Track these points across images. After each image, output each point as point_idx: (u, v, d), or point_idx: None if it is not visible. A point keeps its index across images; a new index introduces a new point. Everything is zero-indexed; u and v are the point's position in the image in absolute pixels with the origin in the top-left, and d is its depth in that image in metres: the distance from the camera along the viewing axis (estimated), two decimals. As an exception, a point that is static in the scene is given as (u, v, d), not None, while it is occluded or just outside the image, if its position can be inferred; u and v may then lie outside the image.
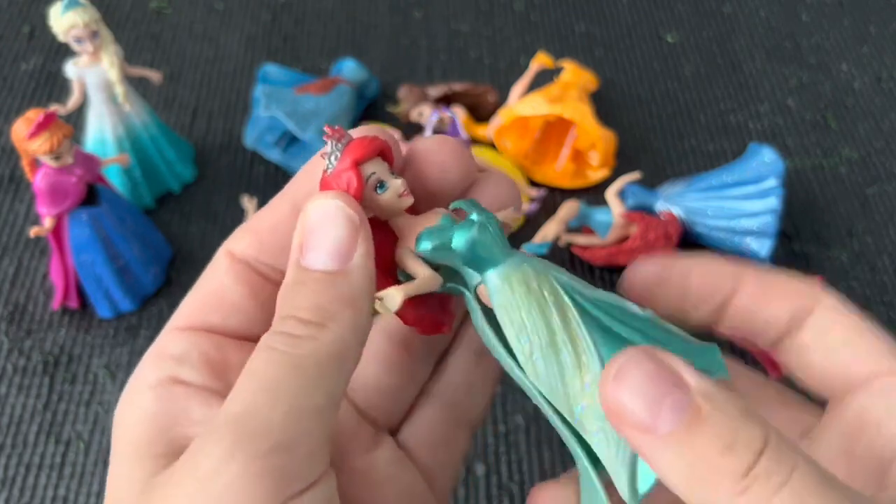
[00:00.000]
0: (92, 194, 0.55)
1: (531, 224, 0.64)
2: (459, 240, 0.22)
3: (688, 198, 0.62)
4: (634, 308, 0.22)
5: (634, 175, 0.63)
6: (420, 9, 0.83)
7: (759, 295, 0.24)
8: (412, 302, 0.22)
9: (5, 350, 0.57)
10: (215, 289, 0.23)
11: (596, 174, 0.68)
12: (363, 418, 0.25)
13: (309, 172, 0.23)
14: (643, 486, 0.19)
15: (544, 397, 0.21)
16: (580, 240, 0.62)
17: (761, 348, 0.24)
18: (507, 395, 0.55)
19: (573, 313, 0.21)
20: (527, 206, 0.64)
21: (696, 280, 0.24)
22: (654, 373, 0.17)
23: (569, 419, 0.21)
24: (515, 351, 0.21)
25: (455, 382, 0.26)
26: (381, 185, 0.22)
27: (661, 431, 0.17)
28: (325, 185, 0.22)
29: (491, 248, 0.22)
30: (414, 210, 0.23)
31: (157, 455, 0.20)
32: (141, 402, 0.22)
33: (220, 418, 0.19)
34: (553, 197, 0.66)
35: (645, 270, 0.25)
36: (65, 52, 0.60)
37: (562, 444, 0.47)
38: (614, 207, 0.61)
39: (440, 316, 0.24)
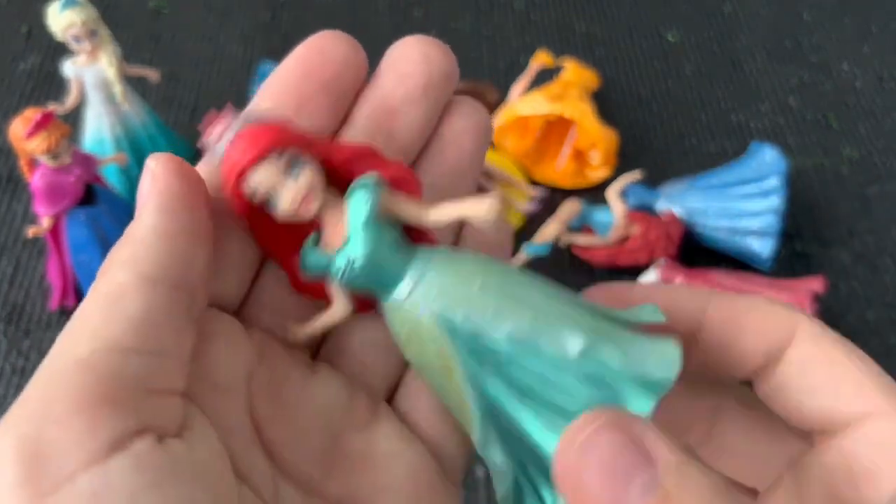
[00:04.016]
0: (90, 194, 0.55)
1: (531, 224, 0.64)
2: (337, 270, 0.20)
3: (689, 197, 0.62)
4: (572, 341, 0.19)
5: (635, 174, 0.63)
6: (420, 8, 0.83)
7: (731, 325, 0.21)
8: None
9: (4, 350, 0.57)
10: None
11: (596, 174, 0.67)
12: (356, 388, 0.22)
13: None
14: None
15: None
16: (581, 240, 0.61)
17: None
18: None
19: (456, 366, 0.19)
20: (527, 206, 0.64)
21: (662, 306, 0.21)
22: (619, 448, 0.16)
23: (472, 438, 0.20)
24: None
25: None
26: (268, 200, 0.20)
27: None
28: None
29: (376, 273, 0.20)
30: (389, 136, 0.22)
31: None
32: None
33: None
34: (553, 197, 0.66)
35: (602, 295, 0.22)
36: (63, 51, 0.60)
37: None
38: (616, 207, 0.61)
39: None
